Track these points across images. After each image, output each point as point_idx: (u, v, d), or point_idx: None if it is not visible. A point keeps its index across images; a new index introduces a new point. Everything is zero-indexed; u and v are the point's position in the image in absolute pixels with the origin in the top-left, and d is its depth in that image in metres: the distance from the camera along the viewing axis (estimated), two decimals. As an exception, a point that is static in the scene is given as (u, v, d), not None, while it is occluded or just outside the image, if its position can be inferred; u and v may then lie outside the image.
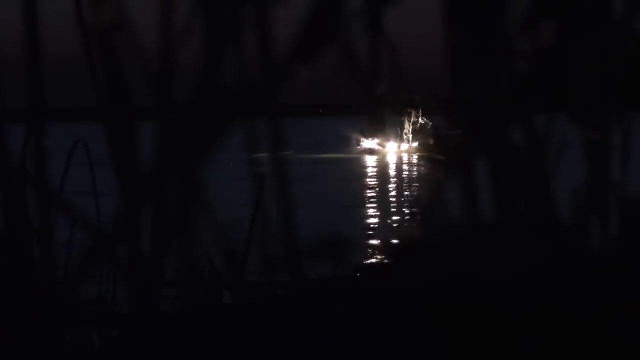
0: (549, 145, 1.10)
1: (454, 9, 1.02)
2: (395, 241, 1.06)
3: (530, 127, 1.09)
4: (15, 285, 1.03)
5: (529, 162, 1.09)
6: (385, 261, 1.07)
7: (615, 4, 1.10)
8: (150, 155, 0.93)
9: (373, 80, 1.03)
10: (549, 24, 1.06)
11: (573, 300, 1.09)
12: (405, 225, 1.07)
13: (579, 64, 1.09)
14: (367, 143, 37.95)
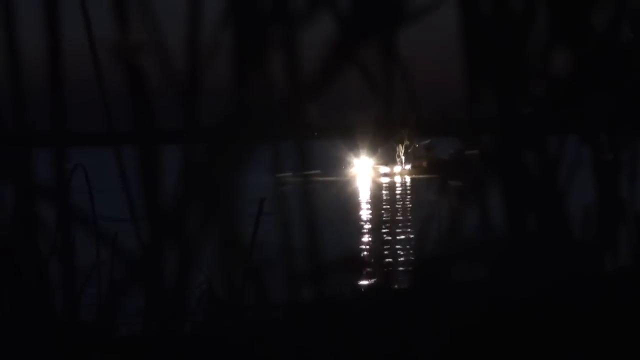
0: (561, 165, 1.11)
1: (471, 34, 1.03)
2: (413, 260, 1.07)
3: (543, 147, 1.10)
4: (32, 308, 1.03)
5: (542, 182, 1.10)
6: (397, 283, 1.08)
7: (624, 28, 1.12)
8: (174, 182, 0.93)
9: (386, 102, 1.04)
10: (564, 49, 1.08)
11: (586, 317, 1.10)
12: (418, 245, 1.08)
13: (591, 87, 1.11)
14: (360, 165, 37.87)
